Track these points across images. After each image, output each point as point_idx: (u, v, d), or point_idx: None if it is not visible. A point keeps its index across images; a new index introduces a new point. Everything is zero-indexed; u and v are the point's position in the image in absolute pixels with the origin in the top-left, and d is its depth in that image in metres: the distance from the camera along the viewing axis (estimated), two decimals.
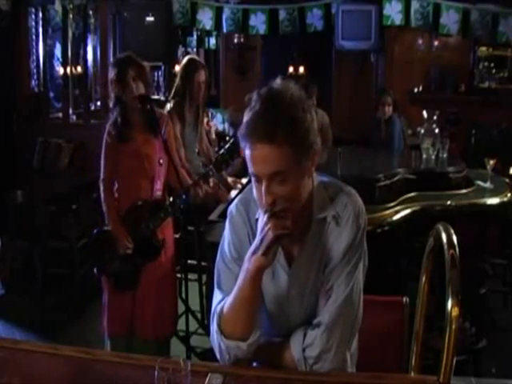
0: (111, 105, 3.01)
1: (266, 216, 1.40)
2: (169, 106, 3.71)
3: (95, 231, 3.03)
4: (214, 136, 4.24)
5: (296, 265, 1.51)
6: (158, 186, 3.03)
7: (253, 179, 1.42)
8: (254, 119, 1.36)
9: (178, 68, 6.63)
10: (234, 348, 1.46)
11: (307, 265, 1.51)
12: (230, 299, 1.47)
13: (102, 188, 2.98)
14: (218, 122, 6.11)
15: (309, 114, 1.40)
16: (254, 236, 1.49)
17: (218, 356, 1.51)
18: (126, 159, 2.95)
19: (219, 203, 3.61)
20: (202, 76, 3.77)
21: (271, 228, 1.38)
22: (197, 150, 3.89)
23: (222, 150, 2.90)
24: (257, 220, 1.49)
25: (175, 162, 3.05)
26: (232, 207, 1.59)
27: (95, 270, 3.01)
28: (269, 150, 1.34)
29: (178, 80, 3.82)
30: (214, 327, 1.49)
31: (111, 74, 2.94)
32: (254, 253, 1.42)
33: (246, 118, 1.39)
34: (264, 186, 1.38)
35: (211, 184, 3.19)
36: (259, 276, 1.43)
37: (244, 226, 1.54)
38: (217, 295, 1.54)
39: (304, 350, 1.47)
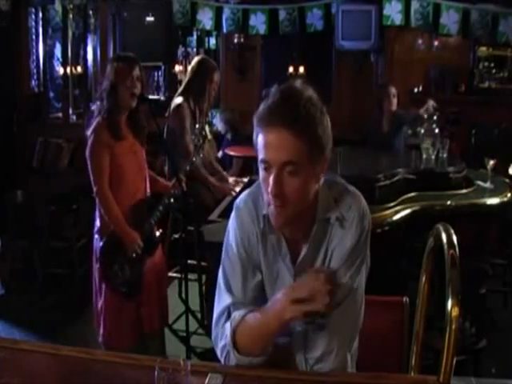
0: (104, 95, 2.85)
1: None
2: (179, 99, 3.73)
3: (102, 244, 2.90)
4: (210, 136, 4.26)
5: (299, 265, 1.50)
6: (148, 183, 3.04)
7: (261, 168, 1.39)
8: (272, 107, 1.35)
9: (178, 67, 6.70)
10: (245, 361, 1.45)
11: (310, 265, 1.49)
12: (251, 325, 1.43)
13: (99, 200, 2.81)
14: (217, 121, 6.11)
15: (326, 118, 1.39)
16: (263, 235, 1.48)
17: (221, 359, 1.50)
18: (124, 159, 2.88)
19: (225, 197, 3.66)
20: (217, 76, 3.83)
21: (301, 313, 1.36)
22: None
23: (193, 137, 3.35)
24: (264, 216, 1.47)
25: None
26: (240, 202, 1.55)
27: (104, 285, 2.91)
28: (286, 135, 1.33)
29: (189, 76, 3.82)
30: (225, 338, 1.46)
31: (119, 65, 2.87)
32: (292, 301, 1.37)
33: (262, 106, 1.37)
34: (274, 174, 1.35)
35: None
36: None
37: (252, 225, 1.50)
38: (225, 298, 1.51)
39: (305, 351, 1.47)
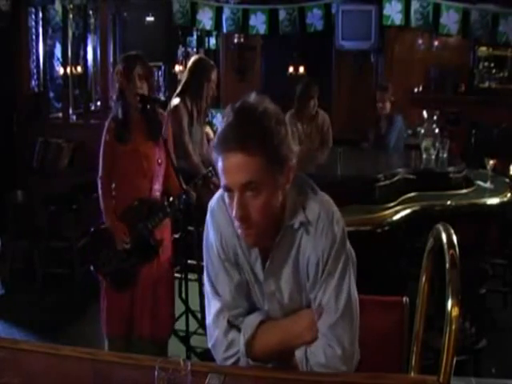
0: (114, 97, 3.02)
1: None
2: (176, 100, 3.72)
3: (92, 230, 3.05)
4: (212, 136, 4.26)
5: (267, 271, 1.48)
6: (157, 186, 3.03)
7: (225, 194, 1.39)
8: (225, 130, 1.34)
9: (178, 67, 6.69)
10: (255, 363, 1.48)
11: (279, 271, 1.47)
12: (271, 340, 1.47)
13: (99, 185, 3.00)
14: (217, 121, 6.11)
15: (283, 127, 1.37)
16: (238, 237, 1.46)
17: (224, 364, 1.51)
18: (125, 159, 2.95)
19: None
20: (215, 75, 3.83)
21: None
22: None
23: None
24: None
25: (174, 164, 3.05)
26: (214, 204, 1.53)
27: (92, 269, 3.01)
28: (241, 158, 1.32)
29: (187, 77, 3.82)
30: (233, 349, 1.48)
31: (119, 67, 2.95)
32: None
33: (218, 130, 1.37)
34: (236, 198, 1.35)
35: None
36: None
37: (228, 226, 1.48)
38: (213, 304, 1.51)
39: (306, 351, 1.46)
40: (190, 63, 3.95)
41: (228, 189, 1.37)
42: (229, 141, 1.33)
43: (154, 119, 2.97)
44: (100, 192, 2.99)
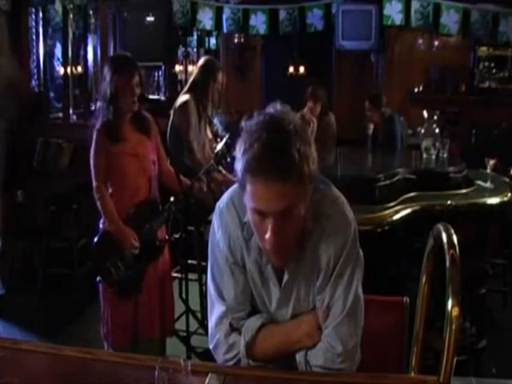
0: (101, 102, 2.88)
1: None
2: (185, 97, 3.76)
3: (96, 239, 2.93)
4: (211, 136, 4.30)
5: (287, 283, 1.46)
6: (154, 185, 3.02)
7: (253, 213, 1.31)
8: (263, 152, 1.23)
9: (178, 67, 6.69)
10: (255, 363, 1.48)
11: (295, 278, 1.46)
12: (271, 343, 1.47)
13: (97, 196, 2.86)
14: (217, 120, 6.11)
15: (309, 142, 1.30)
16: (245, 241, 1.45)
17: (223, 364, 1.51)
18: (123, 160, 2.89)
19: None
20: (221, 76, 3.92)
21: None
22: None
23: (219, 146, 3.13)
24: (245, 223, 1.44)
25: (165, 164, 3.08)
26: (222, 206, 1.50)
27: (98, 280, 2.92)
28: (281, 186, 1.24)
29: (195, 75, 3.90)
30: (234, 351, 1.48)
31: (114, 75, 2.84)
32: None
33: (248, 147, 1.25)
34: (272, 224, 1.28)
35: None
36: None
37: (237, 229, 1.47)
38: (217, 307, 1.50)
39: (306, 354, 1.46)
40: (199, 62, 4.06)
41: (261, 213, 1.29)
42: (267, 166, 1.23)
43: (143, 118, 2.97)
44: (100, 202, 2.86)
